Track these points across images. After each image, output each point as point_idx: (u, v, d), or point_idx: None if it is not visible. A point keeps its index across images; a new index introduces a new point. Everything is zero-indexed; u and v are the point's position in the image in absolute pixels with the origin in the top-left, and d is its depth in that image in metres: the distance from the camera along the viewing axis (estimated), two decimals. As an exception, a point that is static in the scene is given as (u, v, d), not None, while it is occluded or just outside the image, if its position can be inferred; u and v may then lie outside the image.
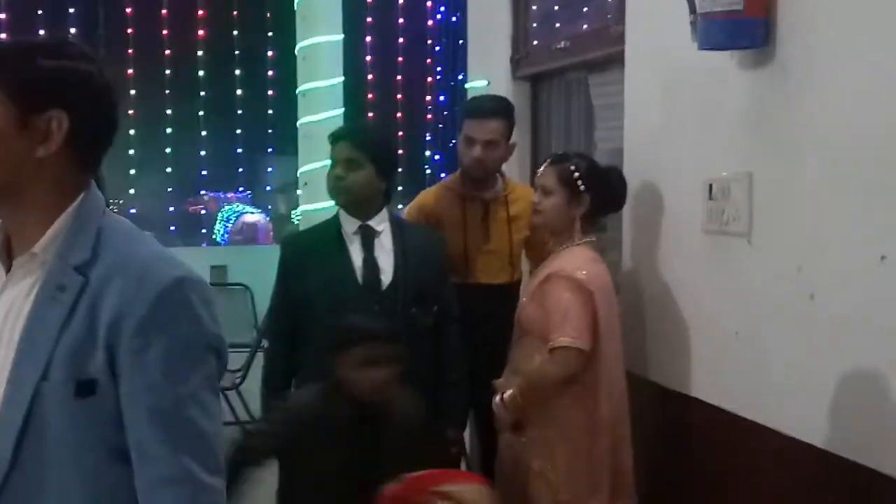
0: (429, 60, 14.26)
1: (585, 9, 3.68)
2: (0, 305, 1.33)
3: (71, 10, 12.42)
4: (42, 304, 1.29)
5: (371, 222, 2.83)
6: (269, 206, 16.51)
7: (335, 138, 2.85)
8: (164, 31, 13.30)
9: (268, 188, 17.49)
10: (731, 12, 2.26)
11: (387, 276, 2.79)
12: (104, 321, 1.25)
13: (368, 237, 2.82)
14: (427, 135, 14.56)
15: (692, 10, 2.43)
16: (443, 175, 10.46)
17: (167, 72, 13.48)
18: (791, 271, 2.26)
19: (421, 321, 2.80)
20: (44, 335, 1.27)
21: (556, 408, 2.61)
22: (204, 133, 14.23)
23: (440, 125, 14.39)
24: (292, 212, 24.20)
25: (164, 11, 13.08)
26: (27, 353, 1.28)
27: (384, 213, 2.86)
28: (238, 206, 14.74)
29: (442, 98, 14.36)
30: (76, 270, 1.29)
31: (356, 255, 2.80)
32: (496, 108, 3.14)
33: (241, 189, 16.66)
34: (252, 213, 14.10)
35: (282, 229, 13.70)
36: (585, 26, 3.67)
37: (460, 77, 11.16)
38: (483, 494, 2.40)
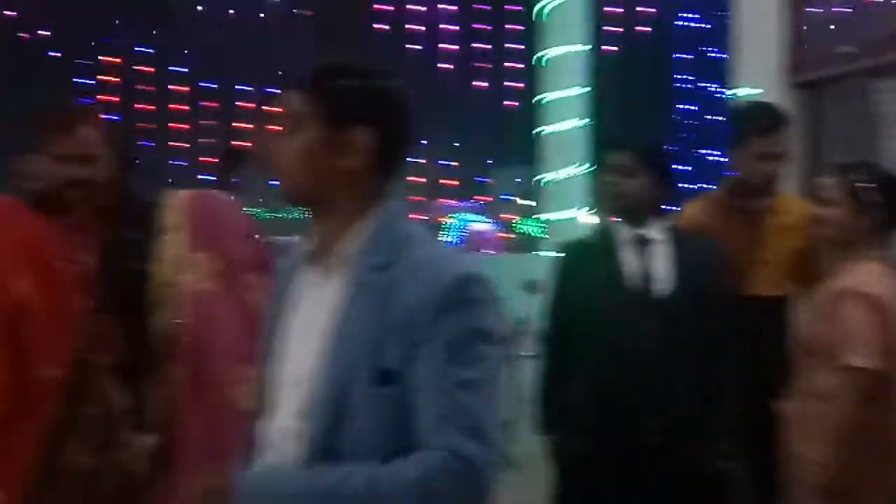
0: (673, 69, 13.98)
1: (875, 12, 3.46)
2: (316, 301, 1.47)
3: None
4: (347, 300, 1.42)
5: (645, 230, 2.82)
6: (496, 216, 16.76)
7: (609, 145, 2.86)
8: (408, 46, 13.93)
9: (502, 197, 17.77)
10: None
11: (661, 285, 2.77)
12: (401, 315, 1.36)
13: (643, 246, 2.81)
14: (672, 146, 14.23)
15: None
16: (696, 187, 10.21)
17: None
18: None
19: (695, 332, 2.75)
20: (352, 328, 1.39)
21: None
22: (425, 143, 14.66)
23: (683, 135, 14.05)
24: (520, 221, 24.61)
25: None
26: (336, 347, 1.41)
27: (660, 222, 2.84)
28: (466, 214, 15.08)
29: (684, 106, 14.02)
30: (377, 270, 1.40)
31: (629, 264, 2.80)
32: (783, 120, 3.05)
33: (466, 199, 17.05)
34: (480, 221, 14.34)
35: (506, 238, 13.86)
36: (876, 31, 3.45)
37: (709, 85, 10.85)
38: None
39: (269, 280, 2.21)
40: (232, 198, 2.54)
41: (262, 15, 14.11)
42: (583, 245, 3.13)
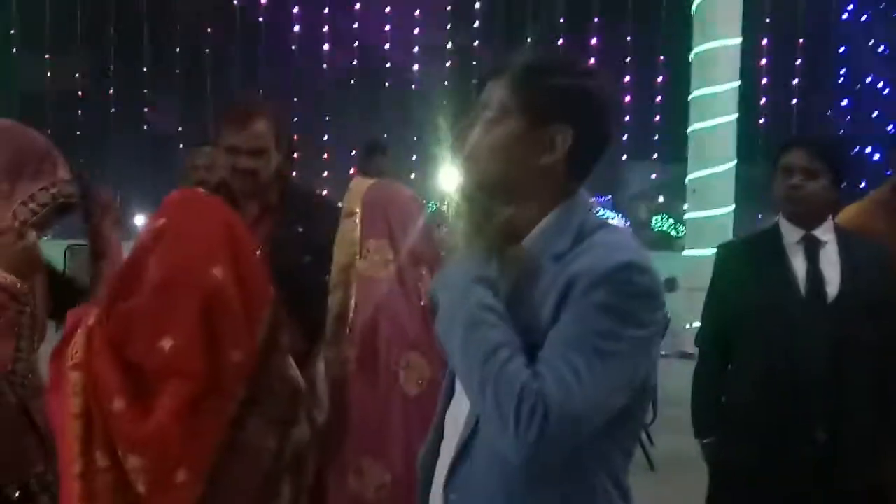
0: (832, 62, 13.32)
1: None
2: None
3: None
4: (524, 286, 1.41)
5: (816, 232, 2.70)
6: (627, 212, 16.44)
7: (790, 146, 2.75)
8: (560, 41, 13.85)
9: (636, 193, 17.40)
10: None
11: (832, 289, 2.64)
12: (562, 283, 1.34)
13: (812, 248, 2.69)
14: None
15: None
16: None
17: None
18: None
19: (867, 338, 2.62)
20: (522, 313, 1.38)
21: None
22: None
23: (841, 131, 13.37)
24: (654, 217, 24.03)
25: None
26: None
27: (829, 224, 2.72)
28: (598, 210, 14.92)
29: (845, 102, 13.34)
30: (554, 259, 1.39)
31: (799, 267, 2.68)
32: None
33: (600, 195, 16.80)
34: (612, 217, 14.13)
35: (639, 235, 13.61)
36: None
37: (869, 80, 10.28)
38: None
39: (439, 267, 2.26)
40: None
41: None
42: (746, 245, 3.03)
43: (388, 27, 16.24)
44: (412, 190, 2.47)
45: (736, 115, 10.49)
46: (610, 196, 22.24)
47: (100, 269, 2.18)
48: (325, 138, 16.44)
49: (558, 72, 1.44)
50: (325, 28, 16.58)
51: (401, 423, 2.16)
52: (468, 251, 1.40)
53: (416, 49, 16.70)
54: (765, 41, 13.35)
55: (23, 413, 2.08)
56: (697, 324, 3.04)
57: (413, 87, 17.07)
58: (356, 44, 16.44)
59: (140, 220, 17.68)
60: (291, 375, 1.95)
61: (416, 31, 16.16)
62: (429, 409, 2.15)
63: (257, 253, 1.96)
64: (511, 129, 1.42)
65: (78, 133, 16.07)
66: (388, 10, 15.88)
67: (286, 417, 1.91)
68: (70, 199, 2.12)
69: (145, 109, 17.40)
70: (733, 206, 10.56)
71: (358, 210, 2.28)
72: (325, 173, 16.49)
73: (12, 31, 14.22)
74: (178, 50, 16.34)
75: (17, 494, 2.10)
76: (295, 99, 15.77)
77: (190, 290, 1.77)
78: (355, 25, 16.17)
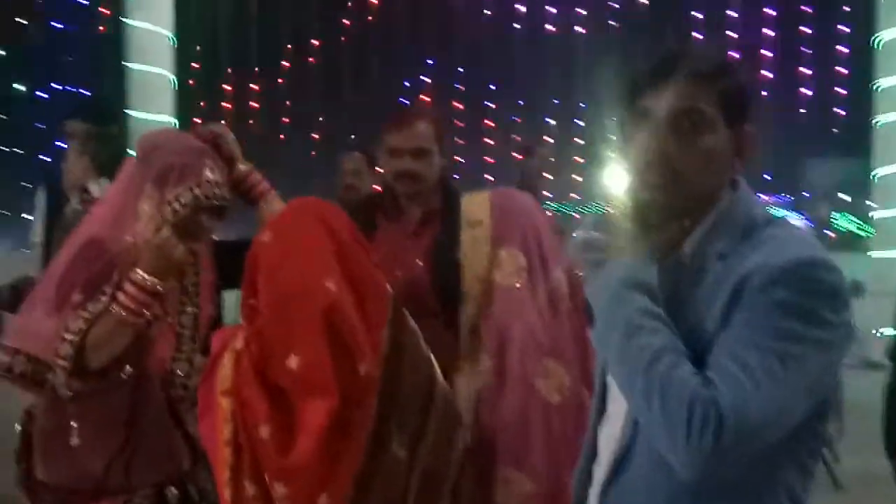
0: None
1: None
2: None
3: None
4: (685, 288, 1.30)
5: None
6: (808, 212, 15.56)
7: None
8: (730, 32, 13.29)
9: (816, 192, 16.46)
10: None
11: None
12: (733, 282, 1.22)
13: None
14: None
15: None
16: None
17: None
18: None
19: None
20: (686, 318, 1.27)
21: None
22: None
23: None
24: (836, 217, 22.62)
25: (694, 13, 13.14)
26: None
27: None
28: (776, 209, 14.21)
29: None
30: (719, 258, 1.28)
31: None
32: None
33: (778, 194, 15.96)
34: (791, 217, 13.39)
35: (820, 235, 12.82)
36: None
37: None
38: None
39: (574, 275, 2.19)
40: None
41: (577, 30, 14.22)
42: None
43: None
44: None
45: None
46: (789, 195, 21.16)
47: None
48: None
49: (731, 71, 1.35)
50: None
51: (542, 431, 2.09)
52: (630, 255, 1.31)
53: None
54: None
55: (169, 411, 2.09)
56: (887, 331, 2.77)
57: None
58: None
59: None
60: (421, 383, 1.86)
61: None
62: (571, 417, 2.09)
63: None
64: (719, 136, 1.32)
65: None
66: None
67: (420, 430, 1.82)
68: (214, 201, 2.10)
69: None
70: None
71: (485, 219, 2.23)
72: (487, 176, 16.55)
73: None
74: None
75: (174, 492, 2.14)
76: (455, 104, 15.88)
77: (307, 305, 1.70)
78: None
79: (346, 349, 1.70)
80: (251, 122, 15.88)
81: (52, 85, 13.55)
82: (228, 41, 15.33)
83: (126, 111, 9.78)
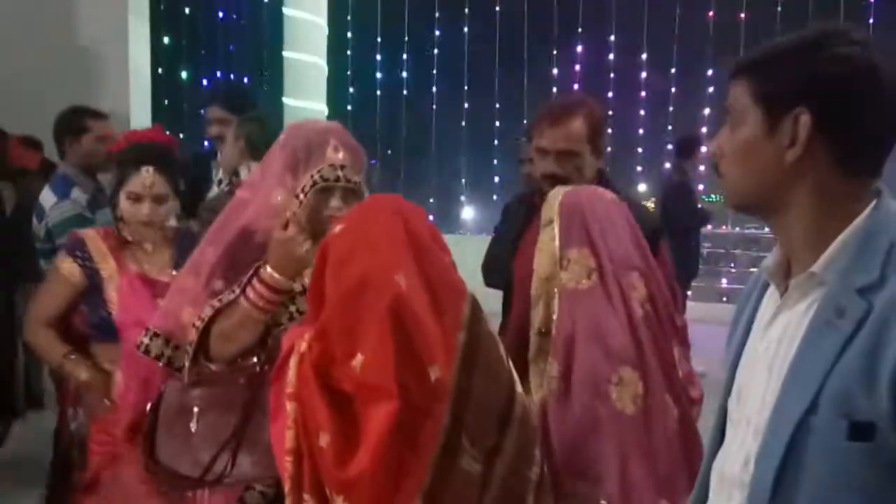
0: None
1: None
2: (774, 329, 1.23)
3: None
4: (817, 329, 1.13)
5: None
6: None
7: None
8: None
9: None
10: None
11: None
12: (890, 357, 1.04)
13: None
14: None
15: None
16: None
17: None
18: None
19: None
20: (815, 364, 1.11)
21: None
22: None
23: None
24: None
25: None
26: (795, 382, 1.14)
27: None
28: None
29: None
30: (859, 294, 1.10)
31: None
32: None
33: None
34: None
35: None
36: None
37: None
38: None
39: (653, 281, 2.10)
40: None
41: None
42: None
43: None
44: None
45: None
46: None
47: None
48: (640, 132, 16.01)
49: (795, 54, 1.19)
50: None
51: (615, 444, 1.95)
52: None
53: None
54: None
55: (256, 406, 2.06)
56: None
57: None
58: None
59: (468, 212, 18.19)
60: (499, 393, 1.71)
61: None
62: (647, 429, 1.96)
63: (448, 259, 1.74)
64: (749, 128, 1.21)
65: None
66: None
67: (495, 443, 1.67)
68: (339, 183, 2.07)
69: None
70: None
71: (555, 218, 2.14)
72: (640, 168, 16.07)
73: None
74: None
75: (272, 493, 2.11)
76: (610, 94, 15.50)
77: (372, 298, 1.57)
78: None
79: (414, 350, 1.56)
80: (402, 91, 16.01)
81: (216, 73, 14.13)
82: (379, 22, 15.50)
83: (282, 99, 10.05)
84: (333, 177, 2.07)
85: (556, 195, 2.20)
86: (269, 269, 2.04)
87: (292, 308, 2.13)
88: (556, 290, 2.09)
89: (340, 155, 2.09)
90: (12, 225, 5.57)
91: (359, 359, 1.55)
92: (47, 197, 3.85)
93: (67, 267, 2.61)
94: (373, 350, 1.55)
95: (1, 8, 6.19)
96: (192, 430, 2.15)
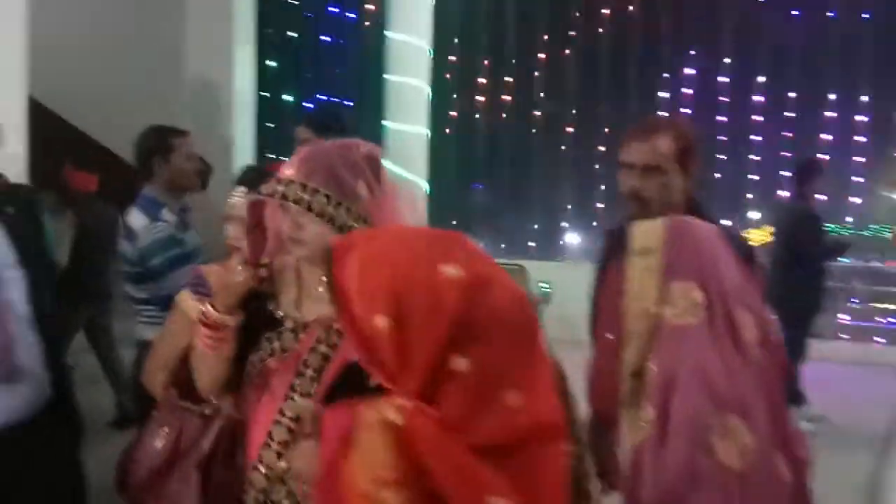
0: None
1: None
2: None
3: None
4: None
5: None
6: None
7: None
8: None
9: None
10: None
11: None
12: None
13: None
14: None
15: None
16: None
17: None
18: None
19: None
20: None
21: None
22: None
23: None
24: None
25: None
26: None
27: None
28: None
29: None
30: None
31: None
32: None
33: None
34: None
35: None
36: None
37: None
38: None
39: (767, 322, 1.91)
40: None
41: (865, 16, 12.79)
42: None
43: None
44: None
45: None
46: None
47: None
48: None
49: None
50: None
51: (719, 501, 1.75)
52: None
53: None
54: None
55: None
56: None
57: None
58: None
59: (571, 237, 17.93)
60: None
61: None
62: (756, 487, 1.74)
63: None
64: None
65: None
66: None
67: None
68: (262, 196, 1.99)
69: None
70: None
71: (657, 247, 1.94)
72: (750, 196, 15.45)
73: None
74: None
75: None
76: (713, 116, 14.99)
77: (526, 328, 1.38)
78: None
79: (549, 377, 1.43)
80: (503, 115, 15.92)
81: (318, 96, 14.32)
82: (483, 42, 15.50)
83: (383, 122, 10.04)
84: (269, 190, 1.92)
85: (656, 223, 2.04)
86: (207, 304, 1.95)
87: (276, 344, 1.96)
88: (654, 326, 1.91)
89: (290, 171, 1.95)
90: (85, 247, 5.71)
91: (514, 395, 1.34)
92: (137, 219, 3.81)
93: (190, 304, 2.44)
94: (532, 384, 1.36)
95: (114, 36, 6.51)
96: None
